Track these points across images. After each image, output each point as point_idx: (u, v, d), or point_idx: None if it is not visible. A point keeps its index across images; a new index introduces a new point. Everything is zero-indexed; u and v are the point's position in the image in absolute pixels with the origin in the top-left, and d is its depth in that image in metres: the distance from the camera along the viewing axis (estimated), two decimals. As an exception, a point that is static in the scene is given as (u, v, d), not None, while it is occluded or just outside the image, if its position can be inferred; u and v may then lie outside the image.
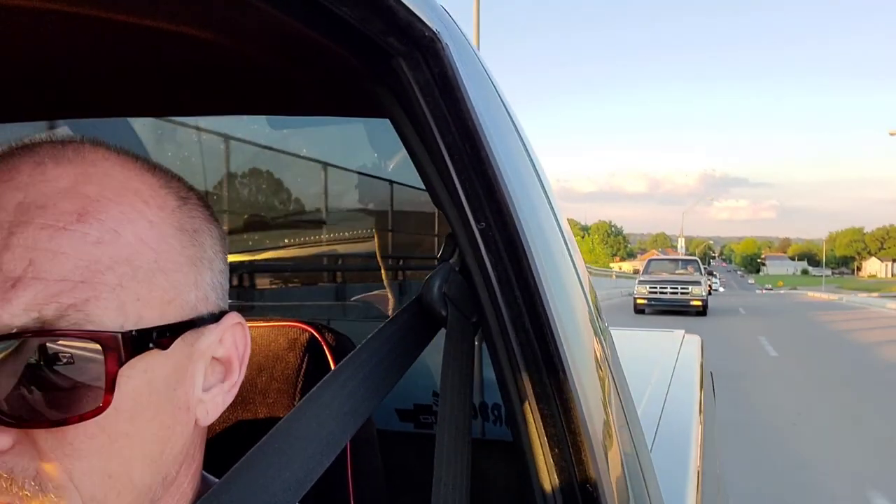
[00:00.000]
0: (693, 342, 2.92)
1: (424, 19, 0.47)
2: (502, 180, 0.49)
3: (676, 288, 19.16)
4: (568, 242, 0.64)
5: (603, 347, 0.67)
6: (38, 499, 0.36)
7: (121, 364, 0.37)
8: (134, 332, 0.37)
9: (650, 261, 22.86)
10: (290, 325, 0.68)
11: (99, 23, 0.53)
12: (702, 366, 2.52)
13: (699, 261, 22.29)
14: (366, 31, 0.47)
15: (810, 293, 43.19)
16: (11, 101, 0.73)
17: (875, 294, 37.45)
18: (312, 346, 0.66)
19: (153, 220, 0.40)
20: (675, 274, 20.47)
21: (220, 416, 0.52)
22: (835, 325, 17.61)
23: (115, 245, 0.38)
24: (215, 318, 0.44)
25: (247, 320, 0.71)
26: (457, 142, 0.50)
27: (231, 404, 0.64)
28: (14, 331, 0.35)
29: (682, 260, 22.87)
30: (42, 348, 0.35)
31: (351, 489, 0.64)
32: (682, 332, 3.03)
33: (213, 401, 0.44)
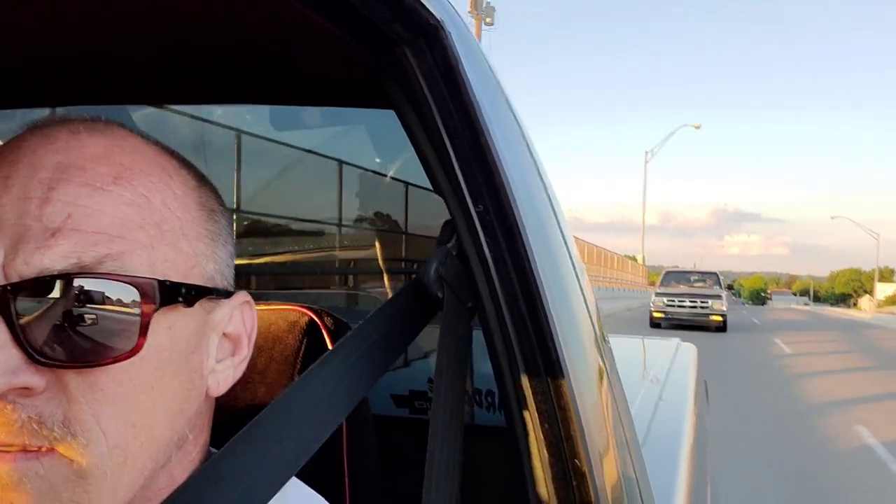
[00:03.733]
0: (688, 350, 2.94)
1: (429, 7, 0.49)
2: (501, 166, 0.51)
3: (696, 301, 18.32)
4: (564, 232, 0.66)
5: (597, 338, 0.68)
6: (67, 441, 0.37)
7: (155, 309, 0.39)
8: (167, 282, 0.40)
9: (667, 273, 22.00)
10: (289, 309, 0.69)
11: (96, 5, 0.54)
12: (696, 374, 2.53)
13: (718, 274, 21.25)
14: (372, 18, 0.48)
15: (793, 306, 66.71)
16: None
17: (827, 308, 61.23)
18: (311, 329, 0.67)
19: (178, 193, 0.44)
20: (693, 287, 19.58)
21: (223, 396, 0.53)
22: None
23: (146, 208, 0.41)
24: (228, 294, 0.47)
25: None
26: (458, 128, 0.51)
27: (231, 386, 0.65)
28: (55, 274, 0.37)
29: (701, 272, 21.74)
30: (80, 293, 0.37)
31: (346, 466, 0.65)
32: (677, 340, 3.04)
33: (224, 373, 0.47)
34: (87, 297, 0.37)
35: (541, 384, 0.52)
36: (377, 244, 1.45)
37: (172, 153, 0.47)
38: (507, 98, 0.63)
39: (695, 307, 18.30)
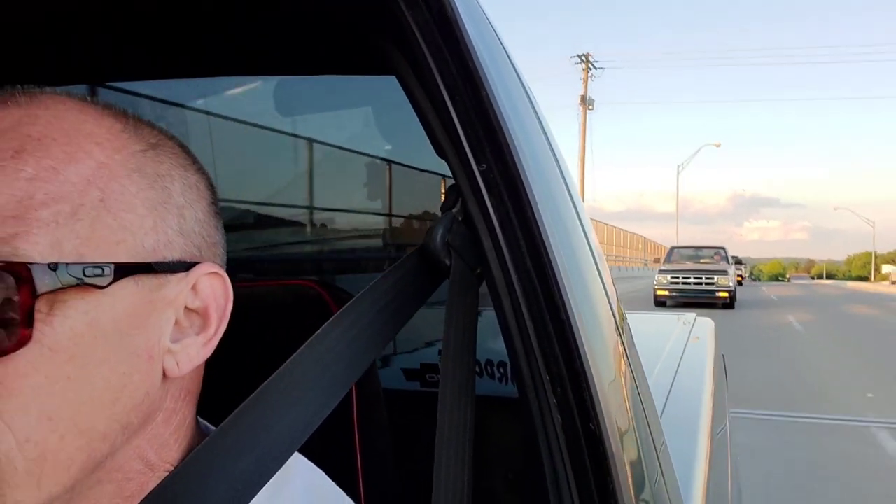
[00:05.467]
0: (705, 325, 2.90)
1: None
2: (503, 121, 0.49)
3: (701, 278, 17.45)
4: (572, 193, 0.64)
5: (610, 302, 0.66)
6: None
7: (34, 296, 0.35)
8: (50, 265, 0.36)
9: (673, 248, 21.09)
10: (295, 283, 0.68)
11: None
12: (714, 349, 2.51)
13: (726, 248, 20.33)
14: None
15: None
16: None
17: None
18: (318, 303, 0.66)
19: (102, 161, 0.40)
20: (699, 263, 18.85)
21: (226, 373, 0.52)
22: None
23: (52, 183, 0.37)
24: (185, 266, 0.42)
25: (255, 278, 0.70)
26: (457, 83, 0.49)
27: (237, 360, 0.64)
28: None
29: (708, 247, 20.75)
30: None
31: (357, 441, 0.64)
32: (694, 314, 3.01)
33: (186, 352, 0.43)
34: None
35: (551, 347, 0.50)
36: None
37: (119, 115, 0.42)
38: (507, 53, 0.61)
39: (700, 283, 17.50)
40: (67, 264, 0.36)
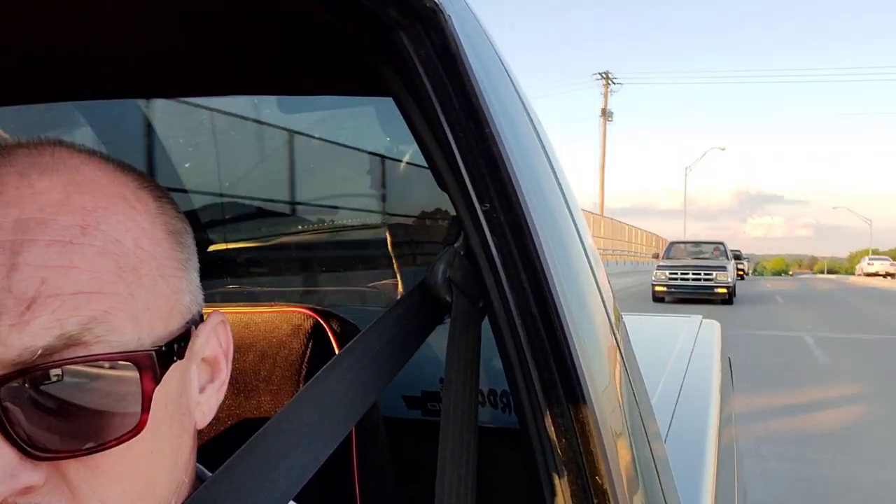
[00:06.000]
0: (711, 327, 2.88)
1: None
2: (507, 159, 0.47)
3: (699, 273, 17.22)
4: (578, 225, 0.62)
5: (614, 334, 0.64)
6: None
7: (157, 382, 0.36)
8: (163, 348, 0.37)
9: (672, 243, 20.79)
10: (294, 311, 0.66)
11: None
12: (721, 351, 2.48)
13: (725, 243, 20.08)
14: (365, 3, 0.44)
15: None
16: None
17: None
18: (317, 333, 0.65)
19: (144, 226, 0.39)
20: (698, 258, 18.64)
21: (226, 406, 0.51)
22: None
23: (119, 254, 0.37)
24: (202, 318, 0.43)
25: (250, 305, 0.69)
26: (460, 118, 0.47)
27: (235, 393, 0.62)
28: (39, 352, 0.33)
29: (707, 242, 20.48)
30: (70, 374, 0.34)
31: (356, 473, 0.62)
32: (700, 317, 2.98)
33: (208, 402, 0.44)
34: (79, 377, 0.34)
35: (556, 393, 0.49)
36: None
37: (124, 168, 0.42)
38: (514, 84, 0.59)
39: (698, 279, 17.23)
40: (169, 345, 0.37)
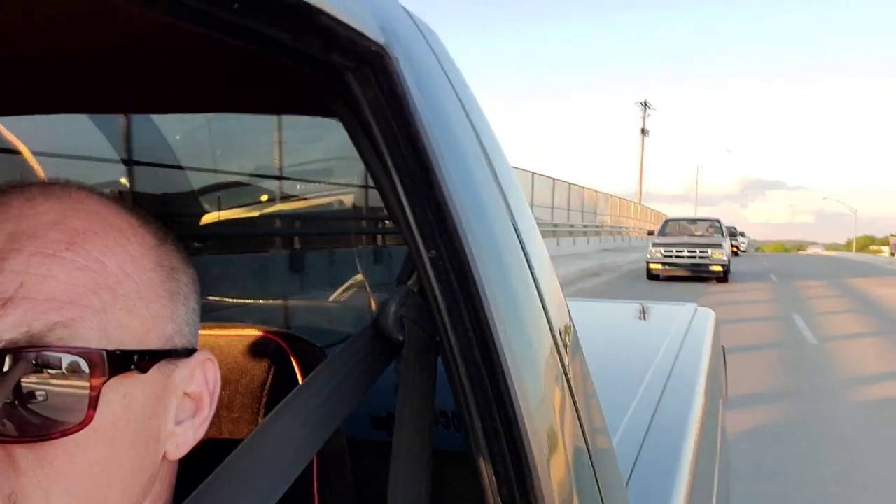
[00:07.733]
0: (705, 316, 2.88)
1: (368, 33, 0.44)
2: (454, 207, 0.47)
3: (694, 251, 16.83)
4: (531, 261, 0.61)
5: (565, 369, 0.64)
6: None
7: (105, 380, 0.38)
8: (118, 352, 0.39)
9: (667, 221, 20.27)
10: (255, 335, 0.66)
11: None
12: (713, 340, 2.48)
13: (721, 220, 19.63)
14: (306, 51, 0.44)
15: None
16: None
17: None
18: (278, 357, 0.64)
19: (134, 255, 0.43)
20: (693, 236, 18.25)
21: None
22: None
23: (99, 273, 0.40)
24: (188, 352, 0.46)
25: (210, 325, 0.69)
26: (407, 163, 0.47)
27: None
28: (2, 344, 0.36)
29: (702, 220, 20.01)
30: (28, 365, 0.37)
31: (316, 498, 0.63)
32: (694, 305, 2.98)
33: (184, 435, 0.46)
34: (35, 369, 0.37)
35: (498, 444, 0.49)
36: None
37: (133, 210, 0.46)
38: (472, 121, 0.58)
39: (693, 257, 16.85)
40: (126, 352, 0.40)
